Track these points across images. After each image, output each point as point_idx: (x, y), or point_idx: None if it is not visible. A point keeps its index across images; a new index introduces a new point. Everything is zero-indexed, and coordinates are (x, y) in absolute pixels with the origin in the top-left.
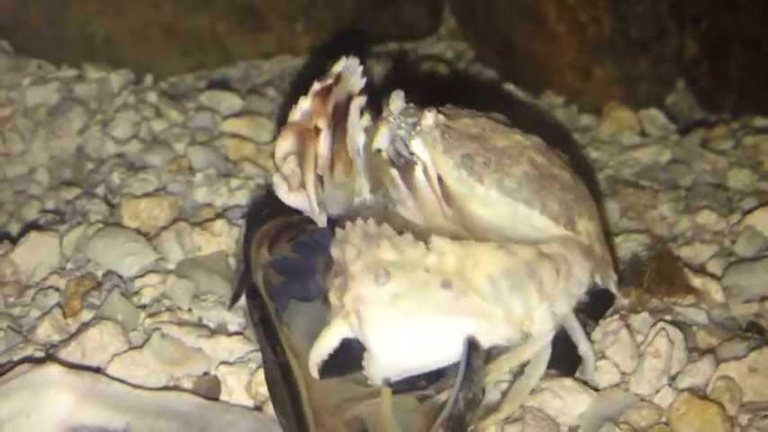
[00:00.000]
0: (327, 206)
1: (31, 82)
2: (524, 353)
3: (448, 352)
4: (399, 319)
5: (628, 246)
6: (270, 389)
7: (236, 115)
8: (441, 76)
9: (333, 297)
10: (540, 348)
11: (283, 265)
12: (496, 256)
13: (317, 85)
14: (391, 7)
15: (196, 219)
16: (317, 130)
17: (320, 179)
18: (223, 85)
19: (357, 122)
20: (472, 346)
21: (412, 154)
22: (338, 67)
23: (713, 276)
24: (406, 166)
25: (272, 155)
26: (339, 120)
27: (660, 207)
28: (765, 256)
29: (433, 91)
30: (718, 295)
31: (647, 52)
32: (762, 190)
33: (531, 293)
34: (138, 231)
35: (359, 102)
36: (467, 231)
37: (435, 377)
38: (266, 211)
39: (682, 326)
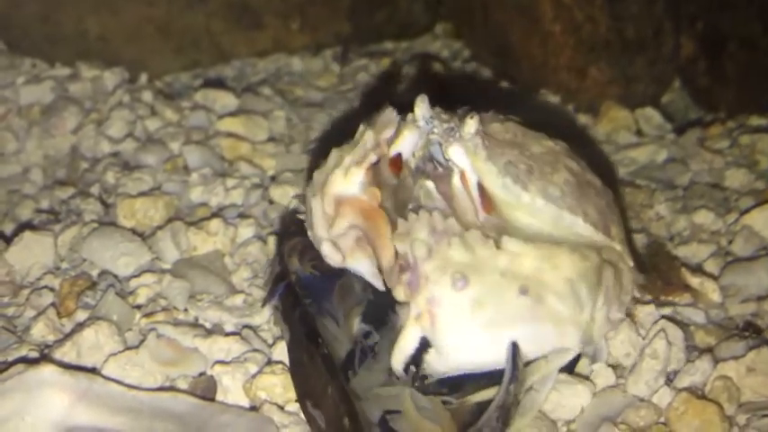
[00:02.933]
0: None
1: (25, 81)
2: (558, 361)
3: None
4: (478, 326)
5: None
6: (302, 384)
7: (232, 114)
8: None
9: (400, 293)
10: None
11: (305, 281)
12: (573, 259)
13: (372, 157)
14: (387, 6)
15: (192, 218)
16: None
17: None
18: (218, 83)
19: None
20: (516, 347)
21: (447, 160)
22: (386, 133)
23: (710, 276)
24: (438, 173)
25: (313, 226)
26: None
27: (657, 206)
28: (762, 256)
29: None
30: (715, 295)
31: (643, 51)
32: (758, 189)
33: (600, 298)
34: (134, 231)
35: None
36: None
37: (456, 387)
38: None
39: (680, 325)
